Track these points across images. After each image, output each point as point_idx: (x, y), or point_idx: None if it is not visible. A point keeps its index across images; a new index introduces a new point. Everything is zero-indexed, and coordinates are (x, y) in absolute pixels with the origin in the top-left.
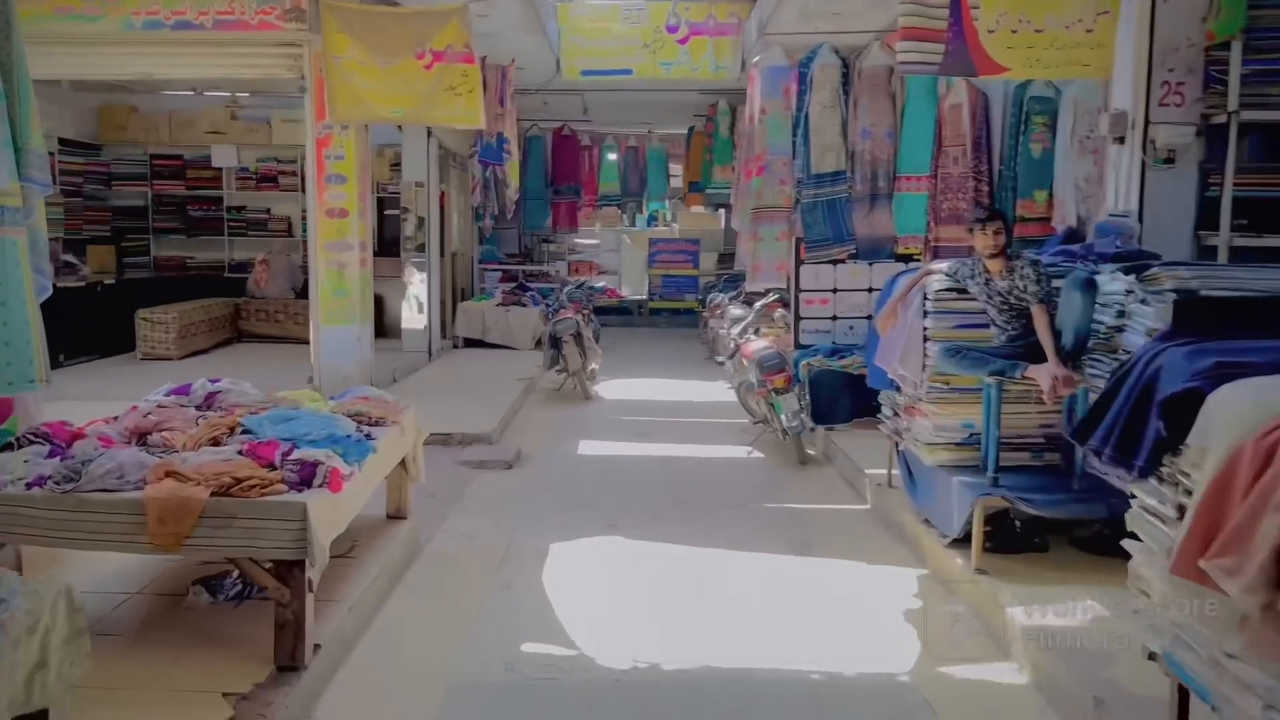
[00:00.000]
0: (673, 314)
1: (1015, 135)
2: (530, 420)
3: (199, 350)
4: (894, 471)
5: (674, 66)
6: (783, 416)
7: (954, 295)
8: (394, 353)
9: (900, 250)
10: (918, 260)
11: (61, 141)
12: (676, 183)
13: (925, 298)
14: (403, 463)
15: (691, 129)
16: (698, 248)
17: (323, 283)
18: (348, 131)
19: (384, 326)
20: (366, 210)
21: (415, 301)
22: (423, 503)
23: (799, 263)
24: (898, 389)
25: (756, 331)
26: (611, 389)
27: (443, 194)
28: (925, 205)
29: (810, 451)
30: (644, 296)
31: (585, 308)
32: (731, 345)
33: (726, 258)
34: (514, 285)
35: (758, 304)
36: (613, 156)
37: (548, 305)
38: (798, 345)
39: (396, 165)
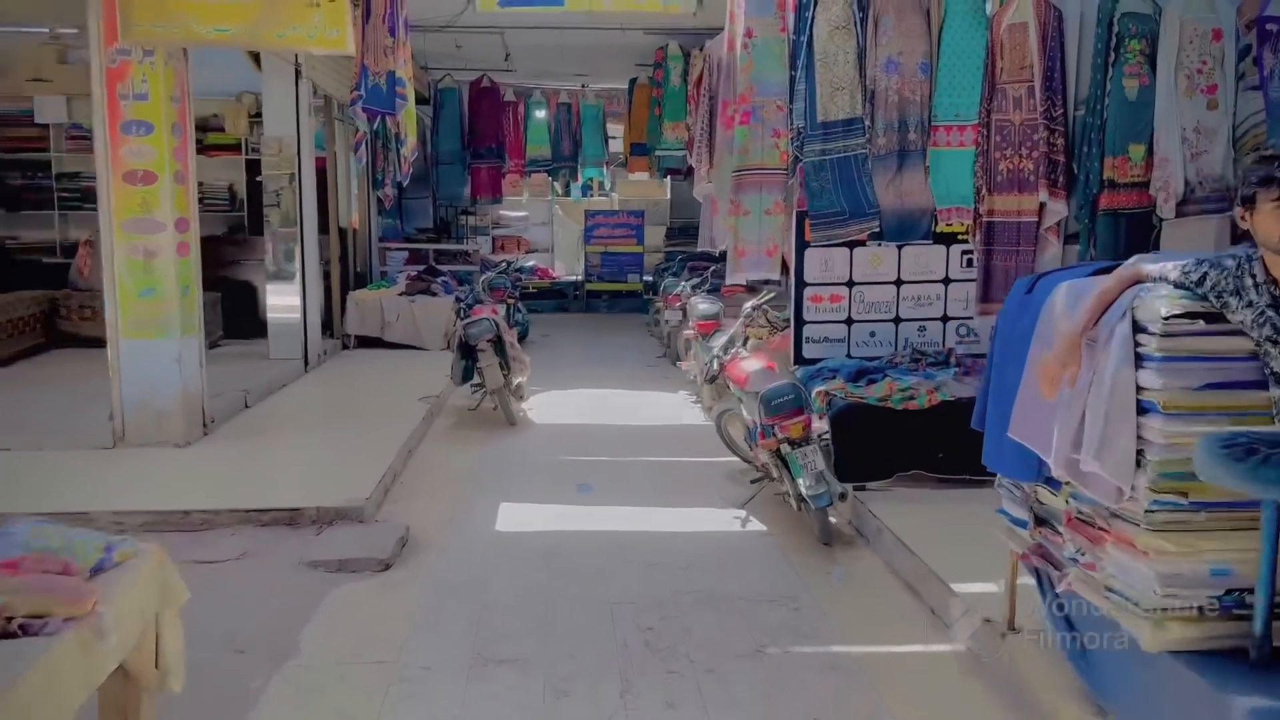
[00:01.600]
0: (613, 298)
1: (1102, 68)
2: (430, 468)
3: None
4: (1012, 595)
5: None
6: (802, 481)
7: (1200, 325)
8: (259, 361)
9: (941, 227)
10: (963, 240)
11: None
12: (616, 146)
13: (1139, 328)
14: (125, 669)
15: (633, 81)
16: (641, 221)
17: (121, 277)
18: (152, 59)
19: (256, 326)
20: (187, 173)
21: (285, 293)
22: (216, 674)
23: (802, 245)
24: (1050, 483)
25: (745, 343)
26: (544, 406)
27: (325, 156)
28: (972, 164)
29: (833, 519)
30: (579, 277)
31: (512, 295)
32: (712, 363)
33: (677, 232)
34: (421, 269)
35: (747, 305)
36: (541, 114)
37: (460, 299)
38: (799, 359)
39: (258, 117)
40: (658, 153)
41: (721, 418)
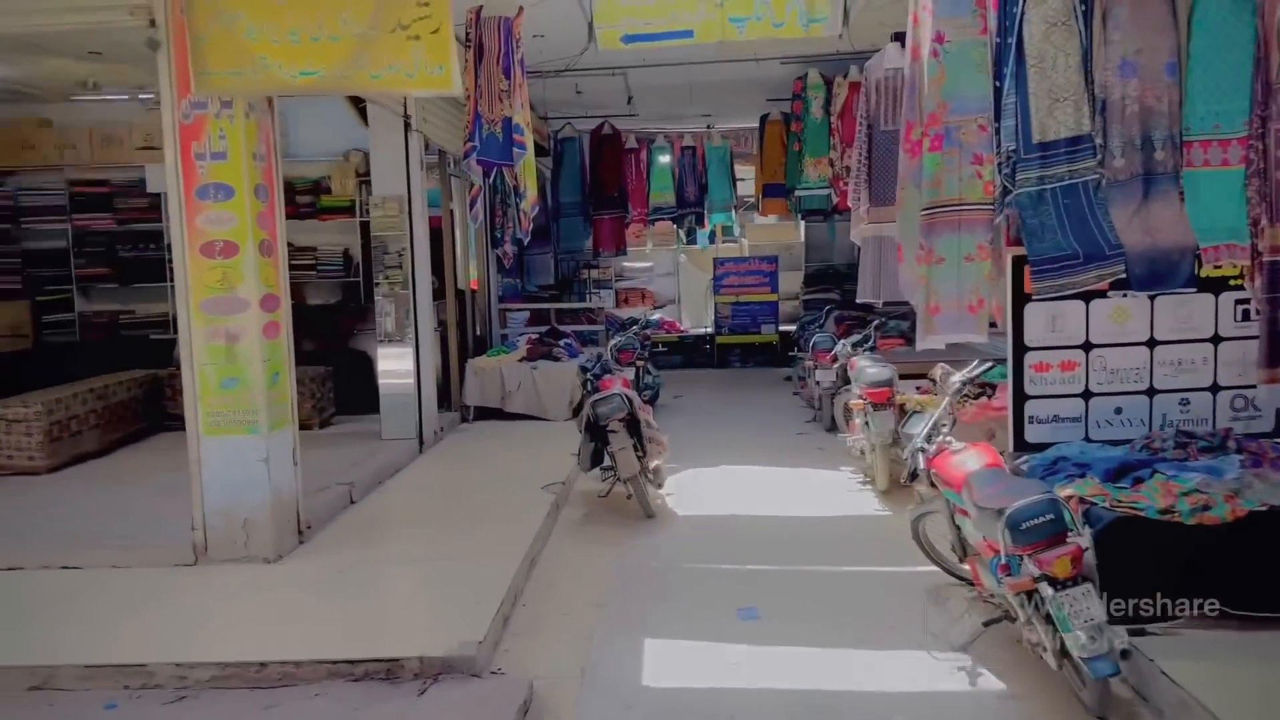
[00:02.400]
0: (746, 351)
1: None
2: (556, 583)
3: (86, 454)
4: None
5: (749, 23)
6: (1073, 639)
7: None
8: (370, 441)
9: (1207, 270)
10: (1237, 285)
11: None
12: (745, 189)
13: None
14: None
15: (764, 118)
16: (775, 267)
17: (201, 366)
18: (230, 112)
19: (372, 400)
20: (275, 242)
21: (398, 364)
22: None
23: (1020, 298)
24: None
25: (952, 425)
26: (684, 489)
27: (441, 215)
28: (1242, 188)
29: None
30: (709, 329)
31: (641, 356)
32: (915, 459)
33: (816, 279)
34: (543, 331)
35: (955, 379)
36: (665, 160)
37: (586, 368)
38: (1020, 445)
39: (367, 177)
40: (798, 192)
41: (919, 521)
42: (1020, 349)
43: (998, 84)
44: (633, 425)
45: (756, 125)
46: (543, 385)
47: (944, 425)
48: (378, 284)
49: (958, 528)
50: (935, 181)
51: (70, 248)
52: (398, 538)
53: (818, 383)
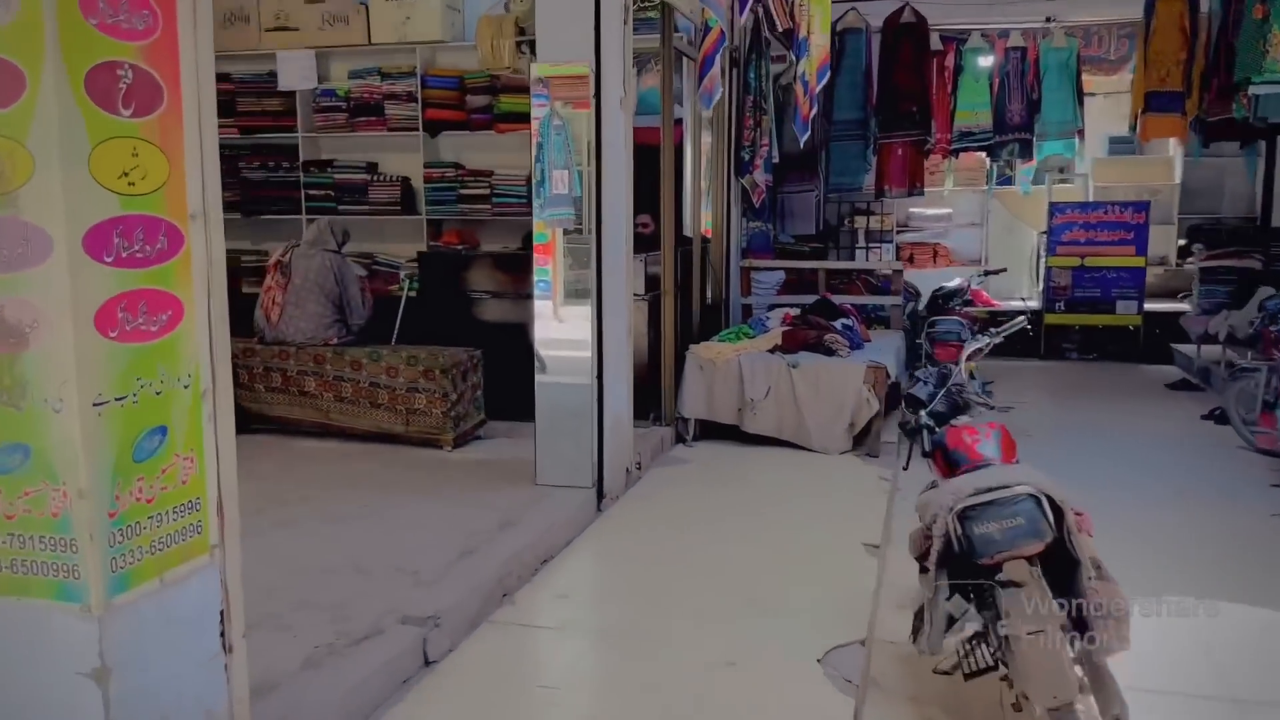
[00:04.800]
0: (1088, 337)
1: None
2: None
3: None
4: None
5: None
6: None
7: None
8: (513, 491)
9: None
10: None
11: None
12: (1099, 106)
13: None
14: None
15: None
16: (1144, 218)
17: None
18: None
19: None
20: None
21: (565, 356)
22: None
23: None
24: None
25: None
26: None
27: (660, 125)
28: None
29: None
30: (1034, 304)
31: (976, 349)
32: None
33: (1213, 238)
34: (808, 306)
35: None
36: (984, 64)
37: (917, 400)
38: None
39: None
40: (1255, 88)
41: None
42: None
43: None
44: (1060, 564)
45: (1119, 15)
46: (807, 395)
47: None
48: (544, 221)
49: None
50: None
51: None
52: None
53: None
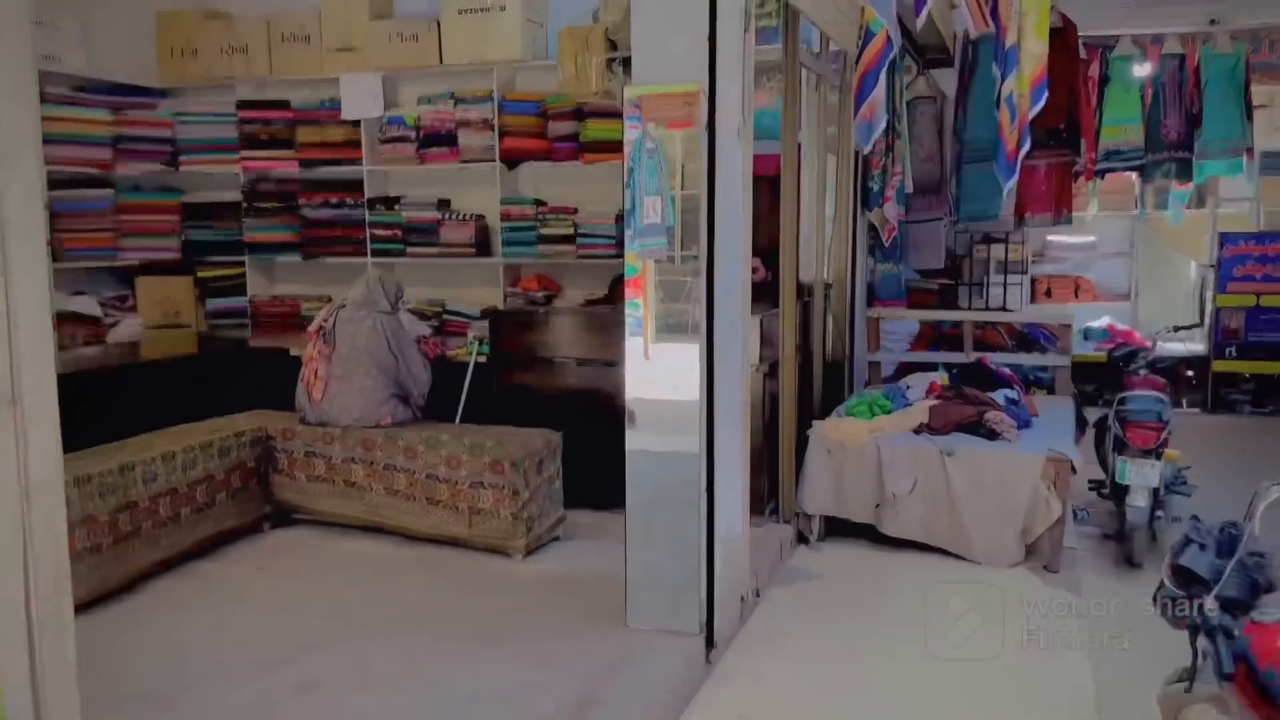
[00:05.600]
0: (1264, 385)
1: None
2: None
3: (141, 575)
4: None
5: None
6: None
7: None
8: (599, 623)
9: None
10: None
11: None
12: (1269, 119)
13: None
14: None
15: None
16: None
17: None
18: None
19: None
20: None
21: (665, 440)
22: None
23: None
24: None
25: None
26: None
27: (781, 153)
28: None
29: None
30: (1186, 344)
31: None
32: None
33: None
34: (964, 367)
35: None
36: (1137, 72)
37: (1188, 553)
38: None
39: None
40: None
41: None
42: None
43: None
44: None
45: None
46: (966, 491)
47: None
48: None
49: None
50: None
51: (241, 202)
52: None
53: None
